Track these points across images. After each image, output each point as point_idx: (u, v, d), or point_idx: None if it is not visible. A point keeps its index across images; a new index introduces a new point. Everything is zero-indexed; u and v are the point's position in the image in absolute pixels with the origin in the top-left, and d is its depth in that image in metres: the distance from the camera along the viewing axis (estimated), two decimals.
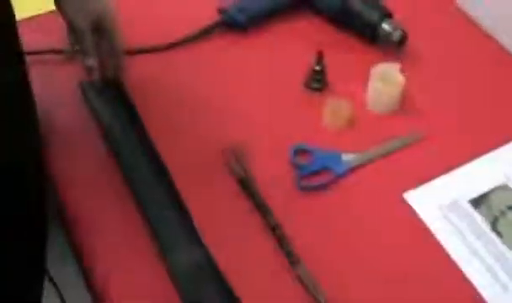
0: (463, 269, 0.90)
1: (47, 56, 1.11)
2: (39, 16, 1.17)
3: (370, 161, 1.00)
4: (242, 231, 0.92)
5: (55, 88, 1.08)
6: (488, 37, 1.19)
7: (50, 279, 1.08)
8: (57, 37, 1.06)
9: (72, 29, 0.98)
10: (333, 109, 1.03)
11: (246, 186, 0.95)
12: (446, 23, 1.22)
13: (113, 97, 1.05)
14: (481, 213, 0.95)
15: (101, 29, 0.99)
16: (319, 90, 1.08)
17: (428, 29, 1.18)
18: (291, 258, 0.88)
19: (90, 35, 0.98)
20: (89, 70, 1.00)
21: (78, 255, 0.93)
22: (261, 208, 0.93)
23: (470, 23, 1.22)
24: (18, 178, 0.88)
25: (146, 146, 0.98)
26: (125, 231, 0.92)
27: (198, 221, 0.91)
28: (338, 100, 1.04)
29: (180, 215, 0.91)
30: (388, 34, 1.11)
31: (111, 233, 0.92)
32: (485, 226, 0.94)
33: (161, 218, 0.91)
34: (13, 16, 0.84)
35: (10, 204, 0.87)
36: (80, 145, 1.01)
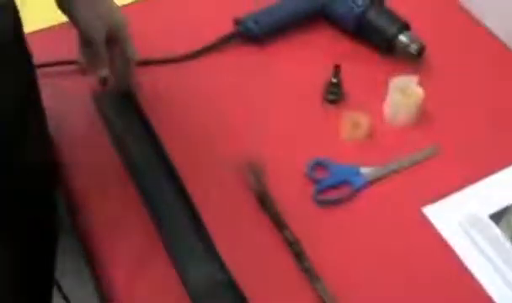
0: (484, 285, 0.88)
1: (59, 68, 1.10)
2: (49, 28, 1.16)
3: (389, 174, 0.99)
4: (259, 246, 0.91)
5: (67, 100, 1.07)
6: (506, 48, 1.18)
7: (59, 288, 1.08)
8: (68, 48, 1.05)
9: (86, 39, 0.98)
10: (352, 122, 1.02)
11: (263, 201, 0.95)
12: (463, 34, 1.20)
13: (126, 108, 1.04)
14: (501, 228, 0.94)
15: (114, 40, 0.99)
16: (336, 103, 1.07)
17: (445, 41, 1.17)
18: (310, 274, 0.87)
19: (104, 46, 0.98)
20: (103, 81, 1.00)
21: (92, 265, 0.93)
22: (279, 223, 0.92)
23: (487, 35, 1.20)
24: (30, 190, 0.87)
25: (162, 160, 0.97)
26: (140, 244, 0.91)
27: (215, 236, 0.90)
28: (357, 113, 1.03)
29: (197, 230, 0.90)
30: (406, 46, 1.10)
31: (126, 245, 0.91)
32: (506, 241, 0.93)
33: (177, 233, 0.90)
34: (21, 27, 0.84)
35: (22, 215, 0.87)
36: (93, 155, 1.01)
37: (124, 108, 1.04)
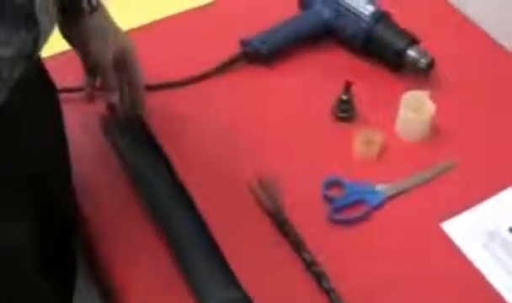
0: (506, 298, 0.87)
1: (65, 95, 1.08)
2: (51, 57, 1.14)
3: (405, 191, 0.98)
4: (277, 267, 0.90)
5: (73, 127, 1.06)
6: None
7: None
8: (72, 77, 1.04)
9: (93, 65, 0.97)
10: (366, 139, 1.01)
11: (278, 221, 0.93)
12: (472, 47, 1.20)
13: (136, 134, 1.03)
14: None
15: (122, 64, 0.98)
16: (347, 120, 1.06)
17: (453, 54, 1.16)
18: (332, 295, 0.86)
19: (112, 71, 0.97)
20: (112, 106, 0.99)
21: (106, 291, 0.92)
22: (296, 243, 0.91)
23: (496, 48, 1.20)
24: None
25: (176, 187, 0.96)
26: (157, 272, 0.90)
27: (230, 259, 0.88)
28: (369, 130, 1.02)
29: (214, 256, 0.89)
30: (415, 61, 1.09)
31: (142, 272, 0.90)
32: None
33: (195, 260, 0.89)
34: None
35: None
36: (103, 185, 1.00)
37: (134, 135, 1.03)
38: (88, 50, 0.96)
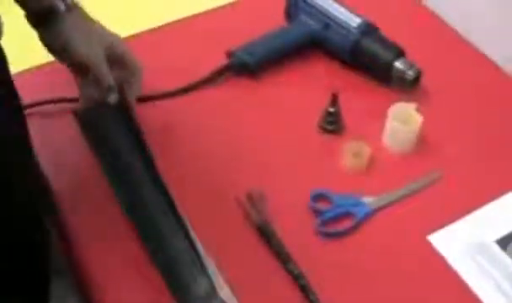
0: None
1: (45, 107, 1.08)
2: (28, 70, 1.13)
3: (392, 203, 0.98)
4: (263, 279, 0.90)
5: (56, 140, 1.05)
6: (502, 71, 1.17)
7: None
8: (57, 87, 1.03)
9: (84, 66, 0.95)
10: (352, 152, 1.01)
11: (265, 234, 0.93)
12: (459, 59, 1.20)
13: (122, 121, 1.00)
14: (509, 253, 0.93)
15: (113, 58, 0.97)
16: (334, 132, 1.06)
17: (440, 66, 1.16)
18: None
19: (107, 67, 0.95)
20: (109, 89, 0.96)
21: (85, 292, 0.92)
22: (283, 256, 0.90)
23: (483, 59, 1.20)
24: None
25: (162, 195, 0.94)
26: (134, 273, 0.89)
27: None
28: (357, 142, 1.02)
29: (197, 264, 0.87)
30: (402, 73, 1.09)
31: (119, 273, 0.90)
32: None
33: (176, 268, 0.87)
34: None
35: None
36: (86, 194, 0.99)
37: (120, 121, 0.99)
38: (75, 50, 0.93)
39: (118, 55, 0.97)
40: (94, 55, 0.94)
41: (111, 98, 0.96)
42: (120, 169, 0.96)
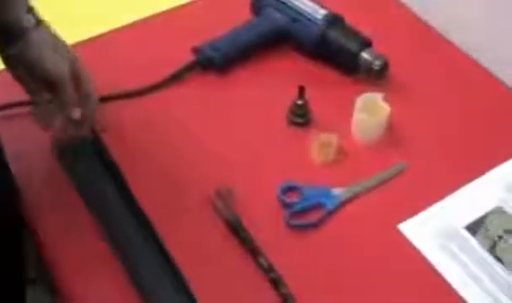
0: (464, 297, 0.87)
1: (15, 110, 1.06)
2: None
3: (361, 193, 0.98)
4: (234, 274, 0.89)
5: (26, 141, 1.04)
6: (469, 59, 1.18)
7: None
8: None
9: (47, 83, 0.91)
10: (322, 143, 1.00)
11: (235, 228, 0.92)
12: (426, 49, 1.20)
13: (92, 157, 0.99)
14: (478, 239, 0.93)
15: (72, 75, 0.93)
16: (303, 125, 1.06)
17: (407, 56, 1.17)
18: (288, 301, 0.85)
19: (71, 83, 0.92)
20: (76, 123, 0.95)
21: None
22: (252, 250, 0.90)
23: (450, 48, 1.20)
24: None
25: (128, 199, 0.94)
26: (106, 278, 0.88)
27: (185, 268, 0.87)
28: (325, 134, 1.02)
29: (166, 265, 0.87)
30: (369, 64, 1.09)
31: (91, 279, 0.89)
32: (483, 252, 0.91)
33: (146, 270, 0.87)
34: None
35: None
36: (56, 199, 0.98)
37: (89, 157, 0.99)
38: (44, 66, 0.90)
39: (75, 72, 0.94)
40: (62, 72, 0.91)
41: (74, 114, 0.94)
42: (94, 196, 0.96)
